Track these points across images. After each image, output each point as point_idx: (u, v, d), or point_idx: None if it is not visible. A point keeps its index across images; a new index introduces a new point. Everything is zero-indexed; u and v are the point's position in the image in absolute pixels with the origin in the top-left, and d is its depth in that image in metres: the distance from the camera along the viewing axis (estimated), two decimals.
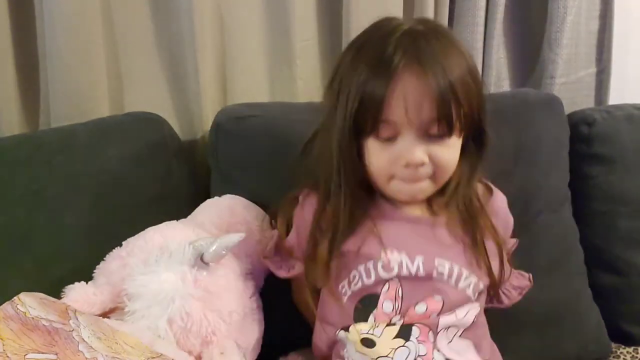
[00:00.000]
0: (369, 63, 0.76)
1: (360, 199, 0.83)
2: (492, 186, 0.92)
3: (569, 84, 1.33)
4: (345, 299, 0.84)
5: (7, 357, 0.65)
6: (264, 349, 0.93)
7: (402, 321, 0.80)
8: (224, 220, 0.96)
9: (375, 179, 0.82)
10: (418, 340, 0.79)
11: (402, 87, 0.74)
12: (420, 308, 0.80)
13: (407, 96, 0.74)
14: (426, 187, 0.81)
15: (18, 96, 1.14)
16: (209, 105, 1.19)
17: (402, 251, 0.82)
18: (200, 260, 0.84)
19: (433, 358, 0.79)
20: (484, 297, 0.88)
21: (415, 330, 0.79)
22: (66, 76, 1.10)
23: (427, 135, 0.77)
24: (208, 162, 1.15)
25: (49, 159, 1.01)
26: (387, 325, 0.80)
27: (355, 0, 1.19)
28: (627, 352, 1.15)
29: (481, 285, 0.85)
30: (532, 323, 1.07)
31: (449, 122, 0.76)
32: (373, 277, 0.81)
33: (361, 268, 0.82)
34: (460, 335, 0.82)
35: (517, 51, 1.35)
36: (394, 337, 0.79)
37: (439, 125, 0.76)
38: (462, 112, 0.76)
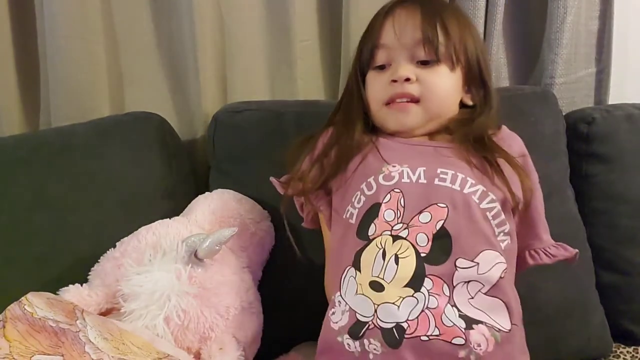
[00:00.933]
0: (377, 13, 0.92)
1: (362, 127, 0.90)
2: (506, 129, 0.94)
3: (568, 84, 1.33)
4: (352, 221, 0.81)
5: (14, 359, 0.65)
6: (266, 344, 0.93)
7: (406, 231, 0.77)
8: (217, 215, 0.97)
9: (372, 111, 0.90)
10: (430, 292, 0.73)
11: (393, 17, 0.87)
12: (425, 217, 0.78)
13: (396, 22, 0.87)
14: (414, 112, 0.86)
15: (18, 96, 1.14)
16: (209, 104, 1.19)
17: (404, 164, 0.82)
18: (195, 257, 0.84)
19: (444, 312, 0.73)
20: (512, 252, 0.83)
21: (427, 282, 0.74)
22: (66, 76, 1.10)
23: (417, 61, 0.86)
24: (208, 161, 1.15)
25: (49, 158, 1.01)
26: (392, 237, 0.77)
27: (355, 0, 1.19)
28: (627, 351, 1.15)
29: (492, 196, 0.80)
30: (539, 319, 1.06)
31: (434, 46, 0.84)
32: (375, 188, 0.81)
33: (363, 185, 0.82)
34: (486, 293, 0.75)
35: (516, 51, 1.35)
36: (404, 286, 0.74)
37: (425, 48, 0.85)
38: (452, 43, 0.86)
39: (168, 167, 1.09)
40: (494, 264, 0.77)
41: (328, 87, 1.30)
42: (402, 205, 0.79)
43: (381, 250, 0.77)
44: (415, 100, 0.86)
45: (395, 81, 0.86)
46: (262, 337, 0.93)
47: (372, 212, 0.80)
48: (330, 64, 1.29)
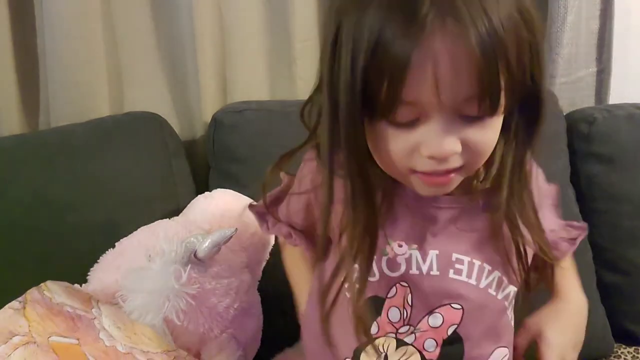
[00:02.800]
0: (385, 8, 0.53)
1: (363, 179, 0.62)
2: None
3: (569, 84, 1.33)
4: (347, 295, 0.67)
5: (32, 337, 0.67)
6: (266, 344, 0.93)
7: (413, 336, 0.67)
8: (216, 215, 0.96)
9: (387, 171, 0.63)
10: None
11: (432, 53, 0.51)
12: (435, 320, 0.67)
13: (440, 67, 0.52)
14: (454, 181, 0.61)
15: (18, 96, 1.14)
16: (209, 105, 1.19)
17: (412, 244, 0.67)
18: (194, 257, 0.84)
19: None
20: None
21: None
22: (66, 76, 1.10)
23: (461, 116, 0.56)
24: (208, 161, 1.15)
25: (49, 159, 1.01)
26: (397, 340, 0.67)
27: None
28: (628, 352, 1.15)
29: (506, 280, 0.69)
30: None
31: (495, 99, 0.54)
32: (377, 276, 0.67)
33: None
34: None
35: None
36: None
37: (480, 104, 0.54)
38: (512, 78, 0.54)
39: (168, 167, 1.09)
40: (504, 355, 0.71)
41: None
42: (410, 303, 0.67)
43: (383, 355, 0.68)
44: (457, 170, 0.60)
45: (433, 157, 0.57)
46: (262, 337, 0.93)
47: (373, 305, 0.67)
48: None
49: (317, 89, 0.66)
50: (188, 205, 1.02)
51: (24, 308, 0.71)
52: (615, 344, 1.17)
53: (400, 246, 0.67)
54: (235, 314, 0.86)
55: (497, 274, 0.68)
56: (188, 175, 1.12)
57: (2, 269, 0.94)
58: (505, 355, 0.71)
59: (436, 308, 0.67)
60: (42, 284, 0.76)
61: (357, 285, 0.65)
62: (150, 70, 1.20)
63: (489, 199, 0.66)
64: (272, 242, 1.00)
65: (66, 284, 0.80)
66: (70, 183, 1.01)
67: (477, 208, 0.67)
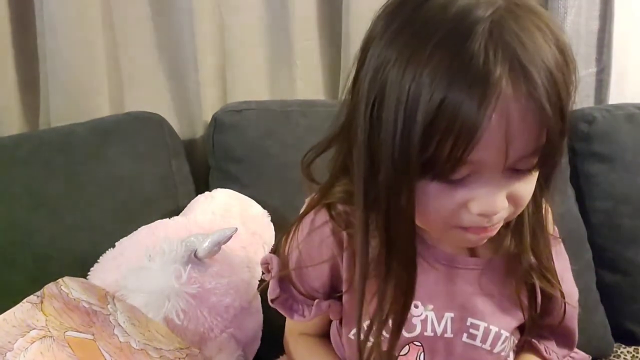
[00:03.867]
0: (446, 70, 0.49)
1: (407, 240, 0.59)
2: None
3: None
4: (354, 349, 0.67)
5: (49, 331, 0.67)
6: (266, 344, 0.93)
7: None
8: (216, 215, 0.96)
9: (425, 226, 0.61)
10: None
11: (504, 114, 0.49)
12: None
13: (512, 129, 0.49)
14: (495, 232, 0.59)
15: (18, 96, 1.14)
16: (209, 105, 1.19)
17: (428, 305, 0.66)
18: (194, 257, 0.84)
19: None
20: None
21: None
22: (66, 76, 1.10)
23: (512, 171, 0.54)
24: (208, 161, 1.15)
25: (48, 158, 1.01)
26: None
27: (355, 1, 1.19)
28: (628, 351, 1.15)
29: (514, 338, 0.71)
30: None
31: (545, 158, 0.53)
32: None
33: None
34: None
35: None
36: None
37: (536, 158, 0.53)
38: (564, 127, 0.53)
39: (168, 167, 1.09)
40: None
41: (328, 88, 1.30)
42: None
43: None
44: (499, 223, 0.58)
45: (483, 214, 0.55)
46: (262, 336, 0.93)
47: None
48: (330, 65, 1.29)
49: (336, 139, 0.63)
50: (188, 205, 1.02)
51: (42, 302, 0.71)
52: (614, 343, 1.17)
53: (417, 307, 0.66)
54: (235, 313, 0.86)
55: (512, 338, 0.69)
56: (188, 175, 1.12)
57: (2, 269, 0.94)
58: None
59: None
60: (59, 280, 0.76)
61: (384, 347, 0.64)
62: (150, 70, 1.20)
63: (512, 258, 0.65)
64: (273, 242, 1.00)
65: (82, 279, 0.80)
66: (70, 183, 1.00)
67: (500, 270, 0.67)
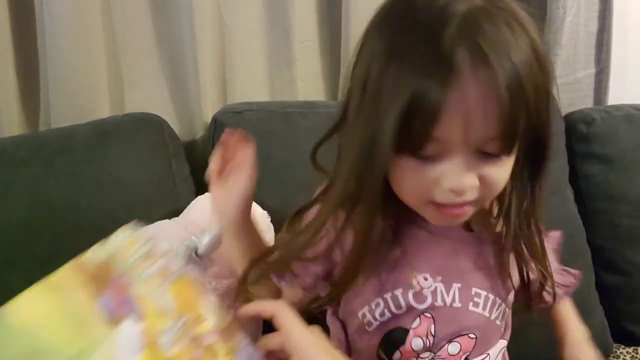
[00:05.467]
0: (418, 58, 0.56)
1: (384, 217, 0.67)
2: None
3: (568, 85, 1.33)
4: (370, 329, 0.71)
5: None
6: None
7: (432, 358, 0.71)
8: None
9: (405, 201, 0.66)
10: None
11: (464, 95, 0.55)
12: (453, 348, 0.71)
13: (470, 108, 0.56)
14: (468, 212, 0.64)
15: (18, 97, 1.14)
16: (209, 106, 1.19)
17: (437, 277, 0.70)
18: (195, 256, 0.84)
19: None
20: (508, 332, 0.78)
21: None
22: (66, 77, 1.10)
23: (481, 154, 0.60)
24: (208, 163, 1.15)
25: (49, 159, 1.01)
26: None
27: (355, 1, 1.19)
28: (627, 352, 1.16)
29: (509, 311, 0.76)
30: (538, 319, 1.07)
31: (514, 139, 0.58)
32: (404, 307, 0.69)
33: (388, 296, 0.70)
34: None
35: None
36: None
37: (501, 143, 0.58)
38: (529, 120, 0.58)
39: (168, 168, 1.09)
40: (500, 349, 0.76)
41: (328, 88, 1.30)
42: (433, 333, 0.70)
43: None
44: (471, 203, 0.63)
45: (453, 190, 0.61)
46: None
47: (397, 336, 0.71)
48: (330, 65, 1.29)
49: (338, 128, 0.69)
50: (188, 206, 1.02)
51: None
52: (614, 344, 1.17)
53: (426, 279, 0.70)
54: (235, 314, 0.86)
55: (503, 306, 0.73)
56: (188, 176, 1.12)
57: (2, 270, 0.94)
58: (502, 348, 0.77)
59: (456, 337, 0.71)
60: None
61: (384, 317, 0.70)
62: (151, 71, 1.20)
63: (500, 234, 0.71)
64: (272, 241, 1.00)
65: None
66: (70, 184, 1.00)
67: (491, 244, 0.72)
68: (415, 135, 0.57)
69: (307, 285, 0.74)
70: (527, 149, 0.63)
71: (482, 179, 0.61)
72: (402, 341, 0.70)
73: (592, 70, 1.36)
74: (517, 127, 0.57)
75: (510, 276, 0.73)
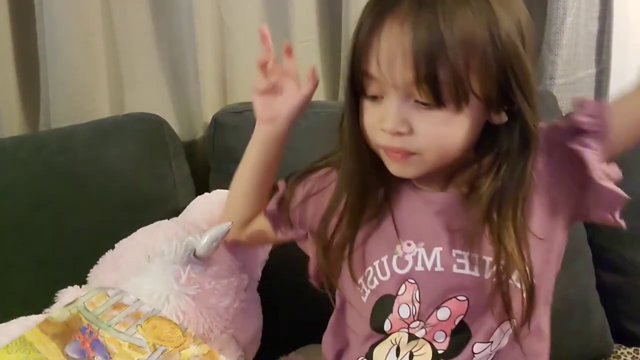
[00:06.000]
0: (372, 4, 0.65)
1: (368, 174, 0.72)
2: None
3: (568, 85, 1.33)
4: (364, 298, 0.74)
5: None
6: (266, 344, 0.93)
7: (423, 330, 0.71)
8: (214, 215, 0.96)
9: (374, 149, 0.70)
10: None
11: (378, 35, 0.62)
12: (443, 313, 0.70)
13: (382, 47, 0.62)
14: (413, 164, 0.67)
15: (18, 97, 1.14)
16: (209, 106, 1.19)
17: (419, 242, 0.71)
18: (193, 256, 0.84)
19: None
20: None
21: None
22: (66, 77, 1.10)
23: (414, 101, 0.63)
24: (208, 162, 1.15)
25: (49, 159, 1.01)
26: (408, 334, 0.71)
27: (355, 2, 1.19)
28: (628, 352, 1.15)
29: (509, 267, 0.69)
30: None
31: (433, 88, 0.61)
32: (388, 274, 0.72)
33: (376, 264, 0.73)
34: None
35: None
36: None
37: (420, 90, 0.62)
38: (459, 78, 0.60)
39: (168, 169, 1.09)
40: (504, 334, 0.72)
41: (328, 88, 1.30)
42: (418, 299, 0.70)
43: (395, 347, 0.72)
44: (411, 154, 0.66)
45: (384, 130, 0.66)
46: (262, 337, 0.93)
47: (385, 304, 0.72)
48: (330, 65, 1.29)
49: None
50: (187, 206, 1.02)
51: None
52: (614, 344, 1.17)
53: (409, 245, 0.72)
54: (235, 314, 0.86)
55: (500, 262, 0.69)
56: (188, 176, 1.12)
57: (2, 270, 0.94)
58: (508, 329, 0.71)
59: (443, 302, 0.70)
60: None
61: (374, 285, 0.73)
62: (151, 71, 1.20)
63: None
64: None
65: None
66: (70, 184, 1.00)
67: (467, 207, 0.70)
68: (358, 73, 0.65)
69: (300, 235, 0.82)
70: (510, 126, 0.65)
71: (418, 131, 0.64)
72: (390, 309, 0.72)
73: (592, 71, 1.36)
74: (431, 80, 0.60)
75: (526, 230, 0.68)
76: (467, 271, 0.70)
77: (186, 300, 0.82)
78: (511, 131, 0.66)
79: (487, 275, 0.69)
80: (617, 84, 1.36)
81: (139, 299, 0.74)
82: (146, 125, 1.10)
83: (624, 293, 1.18)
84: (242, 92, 1.22)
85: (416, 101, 0.63)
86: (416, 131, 0.64)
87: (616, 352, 1.16)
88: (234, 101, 1.22)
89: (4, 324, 0.73)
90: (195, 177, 1.14)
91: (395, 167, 0.69)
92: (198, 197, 1.03)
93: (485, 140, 0.68)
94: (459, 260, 0.70)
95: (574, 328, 1.11)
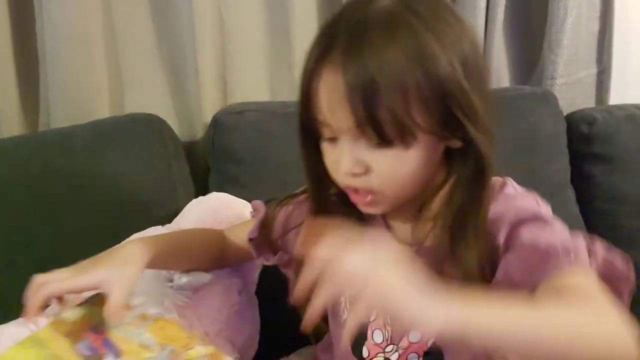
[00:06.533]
0: (314, 46, 0.64)
1: (331, 213, 0.71)
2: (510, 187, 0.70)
3: (569, 85, 1.33)
4: (342, 322, 0.76)
5: None
6: (265, 347, 0.93)
7: (397, 354, 0.71)
8: (206, 223, 0.95)
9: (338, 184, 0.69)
10: None
11: (318, 82, 0.62)
12: (414, 335, 0.71)
13: (322, 95, 0.62)
14: (379, 202, 0.67)
15: (18, 97, 1.14)
16: (209, 106, 1.19)
17: None
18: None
19: None
20: None
21: None
22: (66, 77, 1.10)
23: (367, 142, 0.62)
24: (207, 163, 1.15)
25: (48, 160, 1.01)
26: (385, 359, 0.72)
27: None
28: None
29: None
30: None
31: (376, 130, 0.60)
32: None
33: (347, 295, 0.72)
34: None
35: (517, 52, 1.35)
36: None
37: (365, 133, 0.61)
38: (402, 118, 0.59)
39: (168, 169, 1.09)
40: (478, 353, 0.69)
41: None
42: (389, 322, 0.71)
43: None
44: (373, 192, 0.66)
45: (342, 172, 0.65)
46: (261, 339, 0.93)
47: (359, 332, 0.69)
48: None
49: None
50: (181, 212, 1.01)
51: None
52: None
53: None
54: (228, 315, 0.86)
55: None
56: (188, 177, 1.12)
57: (2, 271, 0.94)
58: None
59: None
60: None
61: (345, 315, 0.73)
62: (151, 72, 1.20)
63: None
64: None
65: None
66: (69, 185, 1.00)
67: (439, 258, 0.67)
68: (310, 119, 0.64)
69: (285, 261, 0.82)
70: (463, 156, 0.64)
71: (374, 170, 0.63)
72: (365, 336, 0.73)
73: (593, 70, 1.36)
74: (375, 121, 0.59)
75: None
76: None
77: (180, 303, 0.82)
78: (465, 157, 0.64)
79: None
80: (618, 84, 1.36)
81: (143, 303, 0.75)
82: (146, 126, 1.10)
83: None
84: (242, 92, 1.22)
85: (367, 141, 0.62)
86: (373, 170, 0.63)
87: None
88: (234, 101, 1.21)
89: (3, 325, 0.73)
90: (194, 177, 1.14)
91: (361, 206, 0.68)
92: (192, 201, 1.03)
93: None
94: None
95: None
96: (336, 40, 0.60)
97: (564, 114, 1.23)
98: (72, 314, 0.67)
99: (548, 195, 1.05)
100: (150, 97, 1.20)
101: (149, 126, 1.10)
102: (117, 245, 0.76)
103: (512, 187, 0.70)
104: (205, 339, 0.71)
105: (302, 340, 0.97)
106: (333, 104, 0.61)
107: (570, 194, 1.19)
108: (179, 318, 0.80)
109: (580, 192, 1.20)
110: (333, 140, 0.65)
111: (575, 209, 1.18)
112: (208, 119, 1.17)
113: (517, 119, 1.14)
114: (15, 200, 0.97)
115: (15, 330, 0.72)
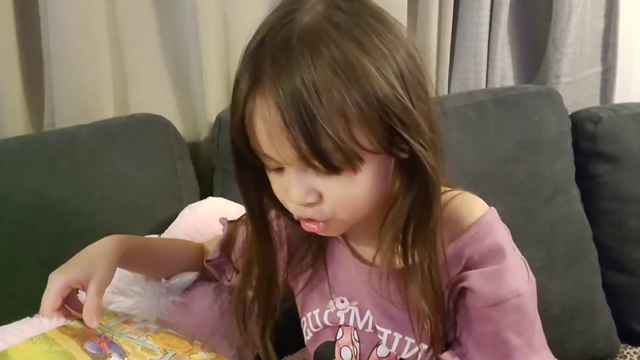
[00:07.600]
0: (242, 70, 0.61)
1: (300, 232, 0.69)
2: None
3: (574, 83, 1.33)
4: (307, 339, 0.78)
5: None
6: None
7: None
8: (199, 232, 0.95)
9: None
10: None
11: (252, 115, 0.58)
12: (383, 351, 0.70)
13: (259, 129, 0.58)
14: (333, 226, 0.64)
15: (23, 97, 1.14)
16: (213, 106, 1.19)
17: (353, 301, 0.72)
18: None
19: None
20: None
21: None
22: (71, 77, 1.10)
23: (314, 170, 0.59)
24: (212, 163, 1.15)
25: (53, 161, 1.01)
26: None
27: None
28: (634, 352, 1.15)
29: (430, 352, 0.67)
30: (545, 319, 1.05)
31: (320, 160, 0.56)
32: (320, 327, 0.75)
33: (309, 315, 0.76)
34: None
35: (522, 51, 1.35)
36: None
37: (310, 163, 0.57)
38: (346, 144, 0.55)
39: (172, 169, 1.09)
40: None
41: None
42: (357, 339, 0.72)
43: None
44: (326, 220, 0.63)
45: (292, 202, 0.62)
46: None
47: (326, 351, 0.74)
48: None
49: None
50: (177, 218, 1.01)
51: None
52: (620, 344, 1.17)
53: (342, 302, 0.73)
54: (221, 312, 0.86)
55: (422, 346, 0.67)
56: (193, 177, 1.12)
57: (6, 273, 0.94)
58: None
59: (379, 342, 0.71)
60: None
61: (308, 336, 0.76)
62: (155, 72, 1.20)
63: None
64: None
65: None
66: (74, 185, 1.00)
67: (401, 279, 0.66)
68: (250, 152, 0.60)
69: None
70: (409, 173, 0.61)
71: (326, 197, 0.60)
72: (332, 354, 0.73)
73: (598, 69, 1.36)
74: (318, 151, 0.55)
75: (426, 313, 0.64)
76: (386, 348, 0.70)
77: (174, 301, 0.83)
78: (412, 168, 0.60)
79: (405, 356, 0.69)
80: (624, 82, 1.36)
81: (145, 320, 0.76)
82: (151, 127, 1.10)
83: (629, 293, 1.18)
84: None
85: (315, 170, 0.58)
86: (325, 197, 0.60)
87: (622, 352, 1.16)
88: None
89: (7, 325, 0.73)
90: (199, 177, 1.14)
91: (317, 232, 0.65)
92: (185, 209, 1.02)
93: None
94: (379, 336, 0.70)
95: (579, 328, 1.11)
96: (262, 65, 0.57)
97: (569, 113, 1.23)
98: (77, 323, 0.69)
99: (553, 194, 1.06)
100: (154, 97, 1.20)
101: (153, 127, 1.10)
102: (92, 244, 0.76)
103: (487, 222, 0.65)
104: (206, 347, 0.70)
105: (301, 339, 0.97)
106: (273, 139, 0.57)
107: (575, 192, 1.19)
108: (172, 320, 0.81)
109: (585, 191, 1.19)
110: (279, 170, 0.61)
111: (580, 208, 1.18)
112: (212, 118, 1.16)
113: (521, 117, 1.14)
114: (20, 201, 0.97)
115: (20, 328, 0.72)
